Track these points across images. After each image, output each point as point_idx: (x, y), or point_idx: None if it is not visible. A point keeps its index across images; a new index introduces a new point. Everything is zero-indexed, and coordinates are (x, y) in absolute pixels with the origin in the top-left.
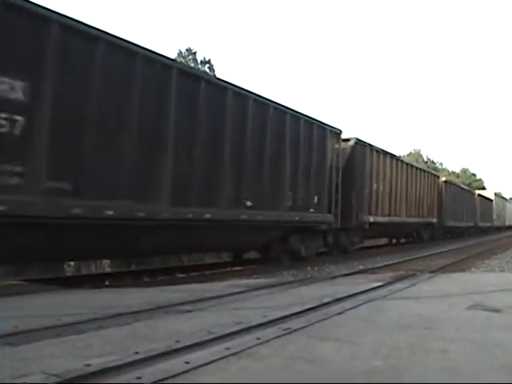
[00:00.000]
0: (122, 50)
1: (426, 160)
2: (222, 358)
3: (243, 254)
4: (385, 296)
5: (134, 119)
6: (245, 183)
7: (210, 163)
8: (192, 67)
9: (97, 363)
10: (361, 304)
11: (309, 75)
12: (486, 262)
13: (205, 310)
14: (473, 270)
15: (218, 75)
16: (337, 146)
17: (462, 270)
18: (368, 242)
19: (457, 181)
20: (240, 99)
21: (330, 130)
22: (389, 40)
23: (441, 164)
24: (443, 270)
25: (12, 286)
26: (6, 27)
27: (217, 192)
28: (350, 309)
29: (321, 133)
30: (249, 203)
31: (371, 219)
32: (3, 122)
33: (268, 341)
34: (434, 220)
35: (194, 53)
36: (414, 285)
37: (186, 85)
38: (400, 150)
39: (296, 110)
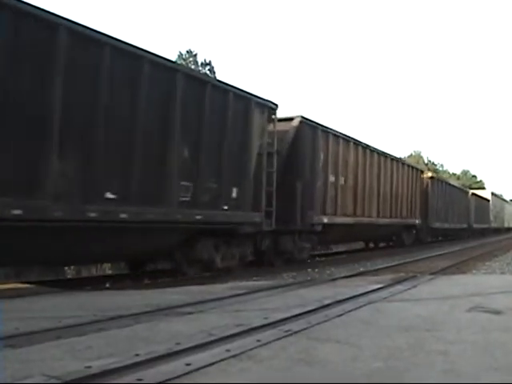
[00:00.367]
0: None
1: (426, 162)
2: (222, 360)
3: (145, 265)
4: (385, 298)
5: None
6: (100, 164)
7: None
8: None
9: (97, 365)
10: (361, 306)
11: (310, 77)
12: (487, 263)
13: (205, 311)
14: (474, 271)
15: (218, 77)
16: (271, 125)
17: (463, 272)
18: (335, 247)
19: (457, 182)
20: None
21: (258, 103)
22: (390, 42)
23: (441, 166)
24: (444, 271)
25: (13, 288)
26: None
27: (42, 172)
28: (350, 311)
29: (241, 105)
30: (110, 195)
31: (325, 220)
32: None
33: (268, 343)
34: (417, 221)
35: (195, 55)
36: (414, 287)
37: None
38: (401, 151)
39: (202, 73)
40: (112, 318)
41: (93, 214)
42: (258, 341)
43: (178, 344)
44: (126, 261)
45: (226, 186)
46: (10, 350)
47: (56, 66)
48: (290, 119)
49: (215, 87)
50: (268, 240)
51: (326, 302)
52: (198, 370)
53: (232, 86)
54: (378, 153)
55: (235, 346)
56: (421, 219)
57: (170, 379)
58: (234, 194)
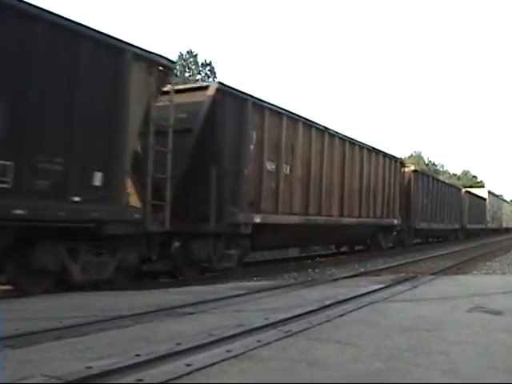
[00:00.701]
0: None
1: (427, 162)
2: (223, 361)
3: None
4: (386, 298)
5: None
6: None
7: None
8: None
9: (98, 365)
10: (362, 306)
11: (310, 77)
12: (488, 264)
13: (206, 312)
14: (474, 272)
15: (219, 78)
16: (166, 89)
17: (464, 273)
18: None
19: (458, 183)
20: None
21: (139, 56)
22: (390, 43)
23: (442, 166)
24: (444, 272)
25: (13, 288)
26: None
27: None
28: (351, 311)
29: (108, 57)
30: None
31: (257, 219)
32: None
33: (269, 343)
34: (396, 221)
35: (195, 55)
36: (415, 287)
37: None
38: (401, 152)
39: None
40: (112, 319)
41: None
42: (259, 341)
43: (178, 344)
44: None
45: (79, 168)
46: (10, 350)
47: None
48: (204, 88)
49: (54, 26)
50: (178, 244)
51: (327, 302)
52: (198, 370)
53: (90, 29)
54: (340, 138)
55: (236, 346)
56: (401, 219)
57: (170, 379)
58: (97, 182)
